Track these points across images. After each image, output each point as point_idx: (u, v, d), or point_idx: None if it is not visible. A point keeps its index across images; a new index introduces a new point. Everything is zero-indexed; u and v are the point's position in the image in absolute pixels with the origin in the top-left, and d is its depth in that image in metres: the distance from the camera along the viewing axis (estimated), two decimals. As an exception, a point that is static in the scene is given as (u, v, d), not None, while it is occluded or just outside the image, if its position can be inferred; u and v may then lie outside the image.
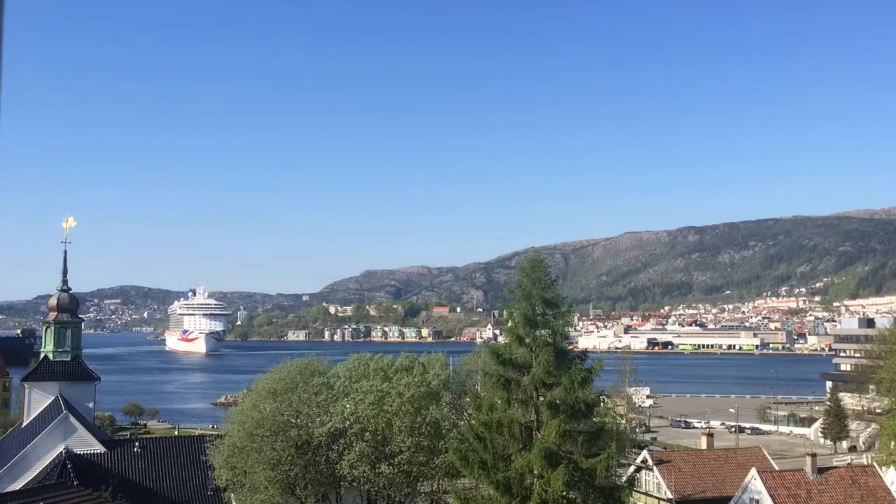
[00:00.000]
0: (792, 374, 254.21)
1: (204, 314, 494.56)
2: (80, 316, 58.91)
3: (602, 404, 33.68)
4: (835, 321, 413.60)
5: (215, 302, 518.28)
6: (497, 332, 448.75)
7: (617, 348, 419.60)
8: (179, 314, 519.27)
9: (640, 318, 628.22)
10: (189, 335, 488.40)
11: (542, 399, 30.27)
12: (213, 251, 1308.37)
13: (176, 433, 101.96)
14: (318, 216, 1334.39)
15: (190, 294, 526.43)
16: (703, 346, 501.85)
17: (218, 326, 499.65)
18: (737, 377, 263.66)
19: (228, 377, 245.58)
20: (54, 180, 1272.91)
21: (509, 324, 32.04)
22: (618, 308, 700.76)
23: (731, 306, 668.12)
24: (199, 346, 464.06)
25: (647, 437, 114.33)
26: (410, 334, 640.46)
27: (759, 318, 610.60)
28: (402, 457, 40.56)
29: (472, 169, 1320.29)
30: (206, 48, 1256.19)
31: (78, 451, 48.10)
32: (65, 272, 56.76)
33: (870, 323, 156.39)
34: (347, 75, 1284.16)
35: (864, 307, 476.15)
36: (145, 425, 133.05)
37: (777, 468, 56.90)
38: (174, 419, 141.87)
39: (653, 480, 58.12)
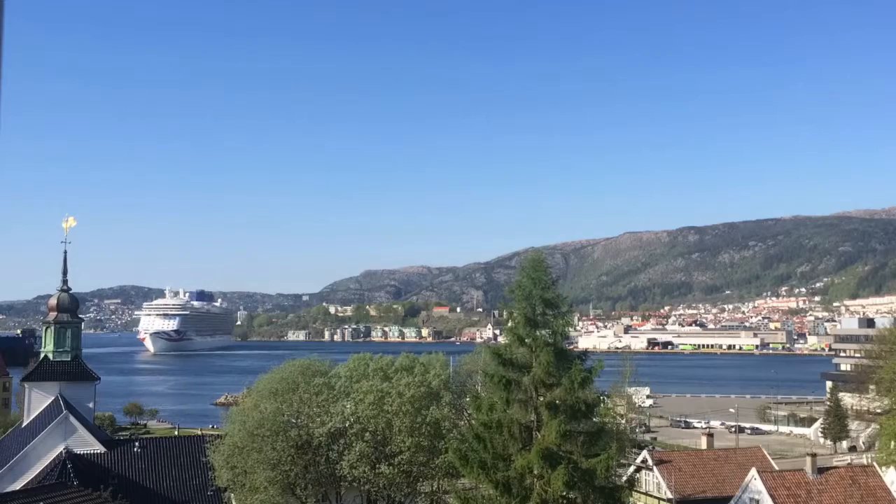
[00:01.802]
0: (792, 374, 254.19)
1: (158, 314, 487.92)
2: (80, 316, 58.70)
3: (602, 404, 33.60)
4: (835, 321, 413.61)
5: (173, 302, 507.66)
6: (497, 332, 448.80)
7: (617, 348, 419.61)
8: (137, 314, 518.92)
9: (640, 318, 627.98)
10: (139, 335, 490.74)
11: (542, 399, 30.22)
12: (214, 251, 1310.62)
13: (176, 433, 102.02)
14: (318, 216, 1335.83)
15: (174, 294, 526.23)
16: (703, 346, 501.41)
17: (170, 326, 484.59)
18: (737, 377, 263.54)
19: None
20: (54, 180, 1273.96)
21: (509, 324, 31.94)
22: (618, 308, 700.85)
23: (731, 306, 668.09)
24: (148, 346, 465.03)
25: (647, 437, 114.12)
26: (410, 334, 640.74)
27: (759, 318, 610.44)
28: (402, 457, 40.55)
29: (471, 169, 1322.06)
30: (205, 51, 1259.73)
31: (78, 451, 47.97)
32: (65, 272, 56.59)
33: (870, 323, 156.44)
34: (347, 77, 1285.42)
35: (864, 307, 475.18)
36: (145, 425, 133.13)
37: (777, 468, 56.84)
38: (174, 419, 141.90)
39: (653, 480, 58.13)
